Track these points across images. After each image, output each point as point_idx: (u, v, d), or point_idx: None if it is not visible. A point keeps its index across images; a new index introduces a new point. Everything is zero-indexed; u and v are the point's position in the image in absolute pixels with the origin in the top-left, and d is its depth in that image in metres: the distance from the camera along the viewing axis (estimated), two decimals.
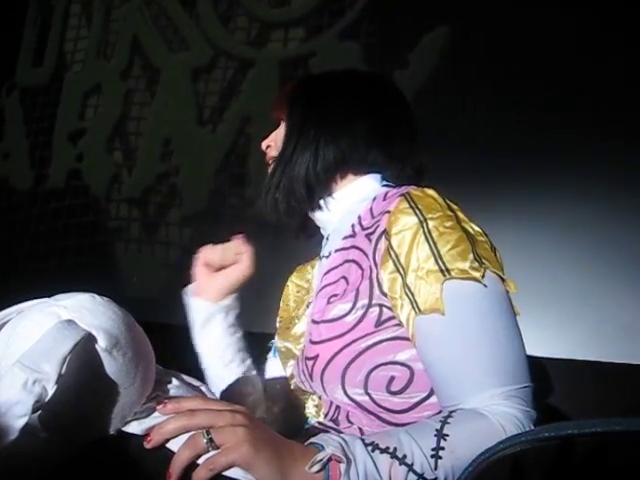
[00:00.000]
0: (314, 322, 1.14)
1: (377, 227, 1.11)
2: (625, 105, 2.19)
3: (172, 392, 0.95)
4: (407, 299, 1.02)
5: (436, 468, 0.87)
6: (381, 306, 1.06)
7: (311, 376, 1.12)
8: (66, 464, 0.82)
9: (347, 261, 1.16)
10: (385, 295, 1.06)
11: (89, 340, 0.83)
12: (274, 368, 1.37)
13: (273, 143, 1.34)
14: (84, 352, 0.83)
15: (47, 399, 0.78)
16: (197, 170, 3.15)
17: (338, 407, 1.12)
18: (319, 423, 1.16)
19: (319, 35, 2.92)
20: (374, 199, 1.19)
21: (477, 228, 1.07)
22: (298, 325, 1.31)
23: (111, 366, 0.85)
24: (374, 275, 1.08)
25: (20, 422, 0.76)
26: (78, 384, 0.82)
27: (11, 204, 3.62)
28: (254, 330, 2.62)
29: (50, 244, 3.44)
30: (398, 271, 1.04)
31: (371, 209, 1.18)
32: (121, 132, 3.41)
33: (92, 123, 3.51)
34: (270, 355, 1.43)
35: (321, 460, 0.85)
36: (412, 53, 2.58)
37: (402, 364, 1.05)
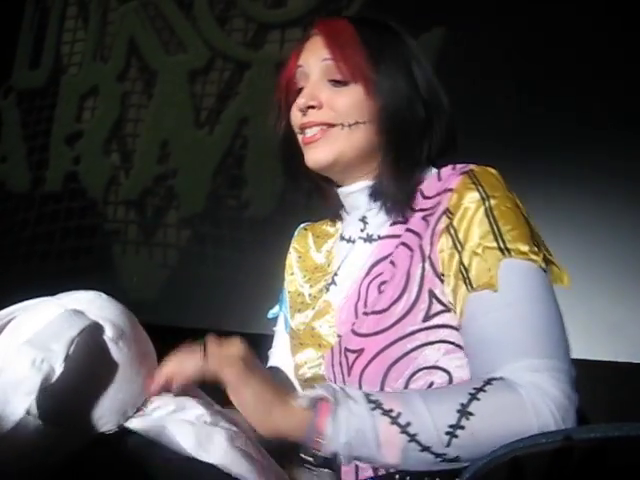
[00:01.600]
0: (365, 314, 1.06)
1: (437, 206, 1.05)
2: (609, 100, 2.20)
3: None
4: (461, 276, 0.98)
5: (449, 445, 0.84)
6: (432, 296, 1.01)
7: (350, 370, 1.04)
8: (68, 459, 0.82)
9: (396, 247, 1.09)
10: (438, 276, 1.01)
11: (96, 329, 0.86)
12: (284, 343, 1.30)
13: (317, 103, 1.11)
14: (91, 339, 0.85)
15: (54, 379, 0.79)
16: (194, 172, 3.14)
17: None
18: None
19: None
20: (422, 182, 1.12)
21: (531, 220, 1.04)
22: (316, 307, 1.20)
23: (117, 356, 0.87)
24: (427, 255, 1.03)
25: (27, 400, 0.77)
26: (83, 370, 0.83)
27: (8, 207, 3.62)
28: (253, 331, 2.63)
29: (48, 247, 3.44)
30: (456, 247, 1.00)
31: (421, 190, 1.10)
32: (118, 134, 3.40)
33: (89, 126, 3.50)
34: (279, 328, 1.34)
35: (313, 397, 0.87)
36: None
37: (443, 370, 1.00)
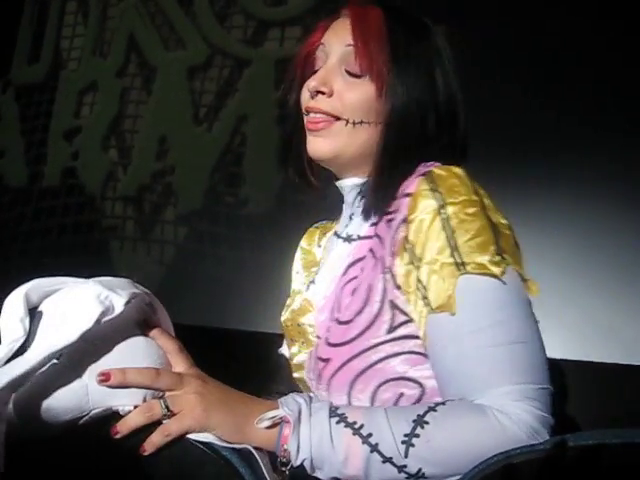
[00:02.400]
0: (337, 321, 1.04)
1: (397, 212, 1.00)
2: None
3: None
4: (420, 294, 0.95)
5: (406, 456, 0.85)
6: (394, 307, 0.98)
7: (319, 378, 1.04)
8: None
9: (368, 250, 1.05)
10: (399, 289, 0.98)
11: (147, 301, 0.96)
12: None
13: (327, 90, 1.07)
14: (143, 306, 0.95)
15: (112, 316, 0.85)
16: (193, 169, 3.14)
17: None
18: None
19: None
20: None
21: (503, 220, 0.97)
22: (297, 304, 1.19)
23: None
24: (387, 266, 0.99)
25: (82, 327, 0.82)
26: (129, 330, 0.90)
27: (6, 202, 3.61)
28: (250, 329, 2.64)
29: (45, 242, 3.43)
30: (412, 263, 0.96)
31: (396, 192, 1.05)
32: (117, 130, 3.40)
33: (88, 121, 3.49)
34: None
35: (273, 417, 0.88)
36: None
37: (414, 381, 0.98)
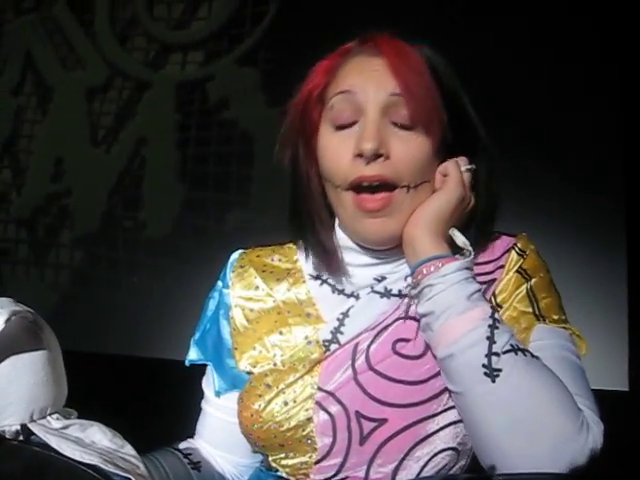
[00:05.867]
0: (380, 375, 0.92)
1: (490, 278, 0.97)
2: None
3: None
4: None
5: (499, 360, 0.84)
6: None
7: (362, 440, 0.91)
8: None
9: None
10: None
11: (30, 319, 0.91)
12: (219, 419, 1.06)
13: (386, 152, 0.90)
14: (25, 325, 0.89)
15: None
16: (90, 191, 3.09)
17: None
18: None
19: (218, 60, 2.93)
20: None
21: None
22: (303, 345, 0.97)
23: (42, 352, 0.91)
24: None
25: None
26: (13, 345, 0.87)
27: None
28: (145, 355, 2.59)
29: None
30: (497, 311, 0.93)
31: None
32: (11, 150, 3.31)
33: None
34: (209, 397, 1.07)
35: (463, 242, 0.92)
36: None
37: (454, 449, 0.90)
